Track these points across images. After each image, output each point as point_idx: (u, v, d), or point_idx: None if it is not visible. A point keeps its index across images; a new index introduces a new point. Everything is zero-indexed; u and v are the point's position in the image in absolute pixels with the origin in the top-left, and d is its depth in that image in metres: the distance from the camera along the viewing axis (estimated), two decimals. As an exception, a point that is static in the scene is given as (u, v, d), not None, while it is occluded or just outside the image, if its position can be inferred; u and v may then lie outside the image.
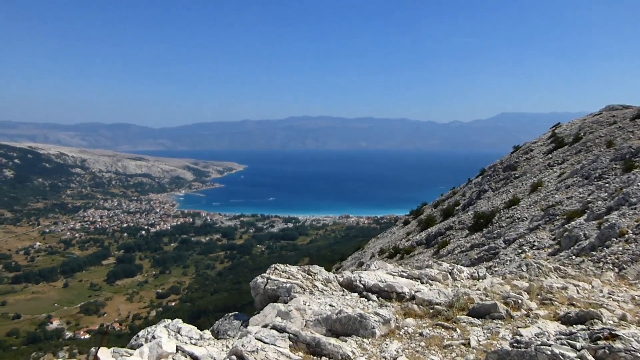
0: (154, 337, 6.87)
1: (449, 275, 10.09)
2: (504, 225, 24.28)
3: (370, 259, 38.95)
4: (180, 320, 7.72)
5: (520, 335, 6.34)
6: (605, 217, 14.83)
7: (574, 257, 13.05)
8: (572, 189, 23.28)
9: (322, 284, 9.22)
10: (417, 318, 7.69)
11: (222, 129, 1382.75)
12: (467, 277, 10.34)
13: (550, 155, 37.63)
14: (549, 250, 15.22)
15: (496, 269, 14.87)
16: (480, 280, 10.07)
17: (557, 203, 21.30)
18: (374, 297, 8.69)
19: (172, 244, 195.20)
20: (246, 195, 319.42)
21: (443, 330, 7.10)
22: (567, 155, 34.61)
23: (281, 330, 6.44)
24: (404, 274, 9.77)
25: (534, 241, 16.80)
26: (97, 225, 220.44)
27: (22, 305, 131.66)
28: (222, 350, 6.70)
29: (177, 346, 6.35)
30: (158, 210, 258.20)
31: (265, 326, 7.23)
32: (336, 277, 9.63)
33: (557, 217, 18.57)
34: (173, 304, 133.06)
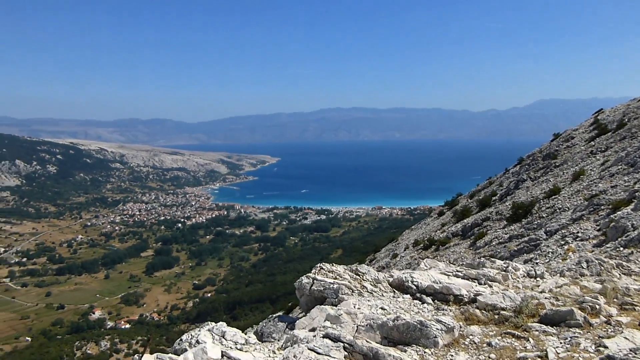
0: (198, 342, 6.55)
1: (503, 273, 9.31)
2: (544, 215, 23.01)
3: (405, 250, 38.00)
4: (225, 324, 7.27)
5: (606, 347, 5.65)
6: (654, 207, 13.69)
7: (621, 248, 11.96)
8: (617, 177, 21.87)
9: (371, 284, 8.63)
10: (482, 325, 6.92)
11: (255, 122, 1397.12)
12: (524, 275, 9.53)
13: (592, 143, 35.68)
14: (594, 241, 14.13)
15: (537, 260, 13.86)
16: (541, 280, 9.18)
17: (601, 192, 19.95)
18: (429, 299, 7.98)
19: (208, 237, 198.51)
20: (279, 187, 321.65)
21: (514, 339, 6.31)
22: (610, 142, 32.72)
23: (335, 339, 5.96)
24: (460, 273, 9.02)
25: (578, 232, 15.67)
26: (136, 219, 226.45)
27: (65, 296, 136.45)
28: (269, 356, 6.25)
29: (222, 351, 6.02)
30: (193, 203, 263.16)
31: (313, 330, 6.89)
32: (386, 277, 8.99)
33: (602, 207, 17.31)
34: (209, 295, 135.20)
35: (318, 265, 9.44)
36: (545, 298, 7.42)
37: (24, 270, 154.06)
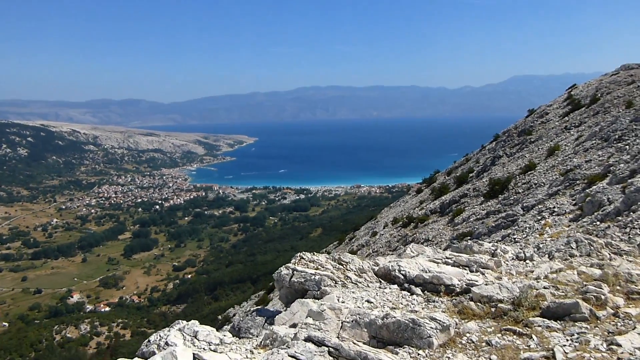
0: (167, 344, 6.01)
1: (495, 260, 8.83)
2: (520, 191, 23.62)
3: (384, 228, 38.58)
4: (197, 323, 6.71)
5: (618, 344, 5.22)
6: (629, 181, 14.09)
7: (598, 222, 12.37)
8: (591, 152, 22.45)
9: (355, 274, 8.17)
10: (478, 320, 6.38)
11: (231, 102, 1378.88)
12: (513, 259, 9.21)
13: (566, 118, 36.53)
14: (570, 216, 14.49)
15: (515, 236, 14.24)
16: (531, 263, 8.84)
17: (576, 167, 20.54)
18: (418, 290, 7.53)
19: (186, 218, 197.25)
20: (258, 167, 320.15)
21: (515, 337, 5.80)
22: (584, 117, 33.54)
23: (319, 342, 5.44)
24: (449, 260, 8.56)
25: (554, 207, 16.07)
26: (112, 201, 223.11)
27: (42, 280, 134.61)
28: (246, 357, 5.87)
29: (194, 354, 5.58)
30: (171, 185, 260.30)
31: (294, 326, 6.45)
32: (371, 266, 8.56)
33: (577, 182, 17.81)
34: (189, 276, 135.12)
35: (298, 254, 8.94)
36: (544, 288, 6.89)
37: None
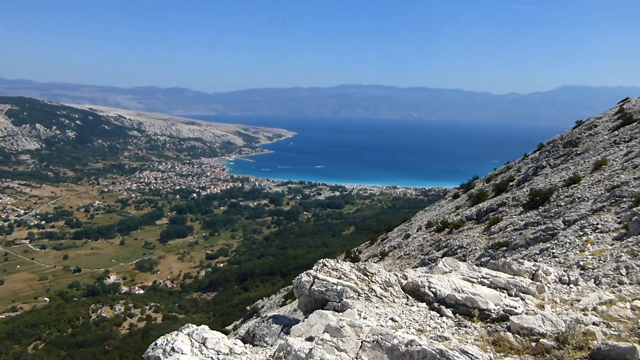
0: (173, 350, 5.68)
1: (538, 284, 7.89)
2: (562, 204, 22.55)
3: (417, 231, 37.90)
4: (207, 328, 6.25)
5: None
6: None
7: None
8: (640, 169, 21.25)
9: (381, 287, 7.56)
10: (515, 354, 5.56)
11: (273, 95, 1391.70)
12: (555, 281, 8.38)
13: (616, 132, 34.78)
14: (614, 234, 13.65)
15: (554, 250, 13.43)
16: (578, 290, 7.94)
17: (623, 184, 19.44)
18: (448, 311, 6.81)
19: (222, 208, 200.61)
20: (295, 162, 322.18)
21: None
22: (635, 132, 31.82)
23: None
24: (486, 280, 7.77)
25: (597, 224, 15.18)
26: (152, 187, 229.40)
27: (82, 259, 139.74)
28: None
29: None
30: (209, 174, 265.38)
31: (310, 339, 6.04)
32: (398, 279, 7.91)
33: (624, 199, 16.81)
34: (221, 265, 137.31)
35: (321, 261, 8.38)
36: (594, 324, 6.07)
37: (42, 233, 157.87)
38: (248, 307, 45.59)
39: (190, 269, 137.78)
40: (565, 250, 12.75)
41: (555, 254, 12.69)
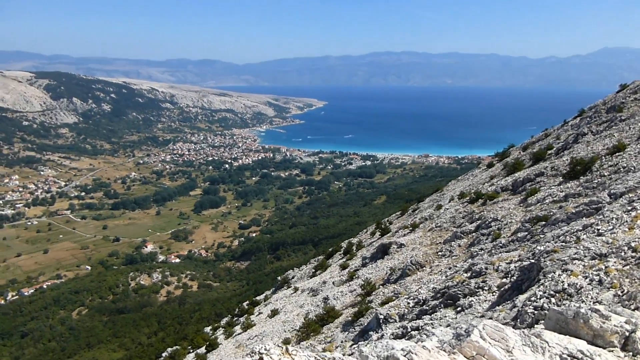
0: None
1: (626, 341, 5.17)
2: (605, 174, 21.13)
3: (449, 202, 36.93)
4: None
5: None
6: None
7: None
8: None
9: None
10: None
11: (303, 64, 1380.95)
12: None
13: (667, 96, 32.59)
14: None
15: (599, 227, 12.17)
16: None
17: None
18: None
19: (254, 178, 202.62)
20: (325, 131, 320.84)
21: None
22: (688, 96, 29.72)
23: None
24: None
25: None
26: (185, 158, 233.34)
27: (120, 229, 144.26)
28: None
29: None
30: (240, 145, 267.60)
31: None
32: None
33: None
34: (254, 235, 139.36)
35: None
36: None
37: (82, 204, 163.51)
38: (279, 278, 45.99)
39: (224, 238, 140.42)
40: (612, 227, 11.60)
41: (600, 231, 11.55)
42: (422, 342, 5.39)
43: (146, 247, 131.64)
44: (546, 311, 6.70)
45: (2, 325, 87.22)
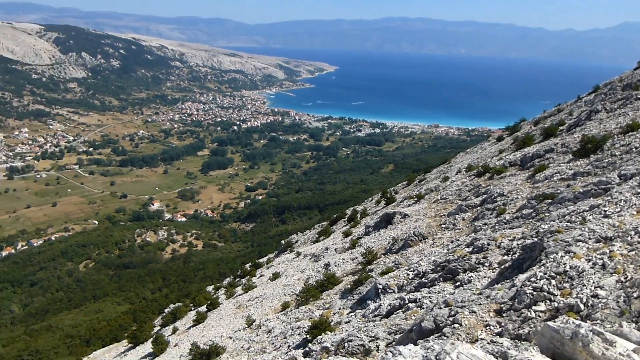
0: None
1: None
2: (617, 154, 20.65)
3: (456, 174, 36.67)
4: None
5: None
6: None
7: None
8: None
9: None
10: None
11: (315, 27, 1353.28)
12: None
13: (688, 75, 31.64)
14: None
15: (606, 208, 11.82)
16: None
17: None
18: None
19: (262, 141, 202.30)
20: (335, 97, 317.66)
21: None
22: None
23: None
24: None
25: None
26: (194, 118, 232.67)
27: (128, 186, 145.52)
28: None
29: None
30: (249, 107, 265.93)
31: None
32: None
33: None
34: (260, 197, 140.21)
35: None
36: None
37: (90, 159, 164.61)
38: (283, 241, 46.38)
39: (230, 199, 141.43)
40: (619, 210, 11.25)
41: (607, 213, 11.21)
42: None
43: (153, 204, 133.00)
44: (544, 293, 6.61)
45: (13, 274, 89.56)
